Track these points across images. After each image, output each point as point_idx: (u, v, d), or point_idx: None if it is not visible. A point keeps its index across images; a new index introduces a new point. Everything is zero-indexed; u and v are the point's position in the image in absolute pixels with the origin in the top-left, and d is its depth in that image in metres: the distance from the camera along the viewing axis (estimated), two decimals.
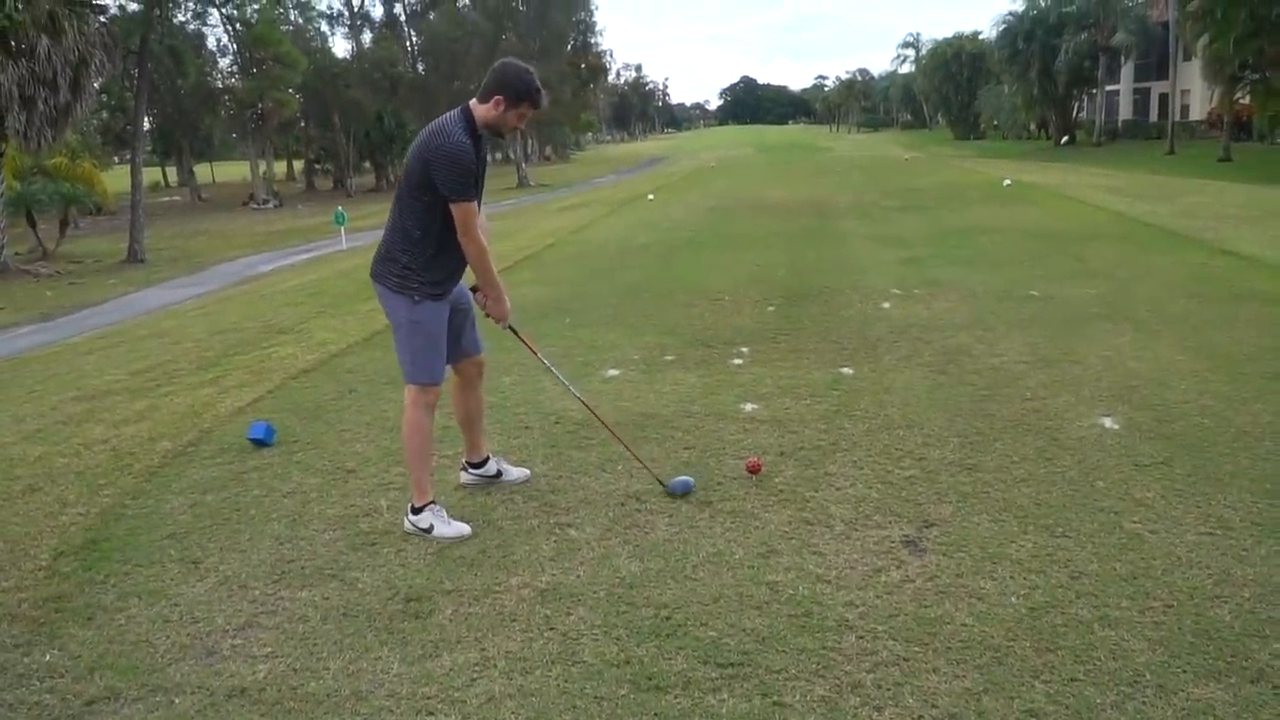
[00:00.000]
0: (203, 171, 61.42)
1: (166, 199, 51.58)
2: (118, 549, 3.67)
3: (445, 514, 3.69)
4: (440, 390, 3.77)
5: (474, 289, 3.76)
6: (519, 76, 3.50)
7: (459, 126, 3.45)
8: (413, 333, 3.64)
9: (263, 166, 46.61)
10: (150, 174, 53.82)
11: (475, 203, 3.51)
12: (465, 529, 3.65)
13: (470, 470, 4.16)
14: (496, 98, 3.47)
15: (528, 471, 4.23)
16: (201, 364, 7.29)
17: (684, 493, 3.82)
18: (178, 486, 4.33)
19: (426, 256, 3.57)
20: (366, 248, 19.93)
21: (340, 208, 22.89)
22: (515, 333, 3.92)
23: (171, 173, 63.38)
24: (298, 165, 63.90)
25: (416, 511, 3.67)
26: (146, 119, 40.33)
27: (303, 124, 52.14)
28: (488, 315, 3.78)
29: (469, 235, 3.50)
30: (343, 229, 21.41)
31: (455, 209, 3.46)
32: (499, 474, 4.15)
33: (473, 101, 3.52)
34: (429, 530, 3.63)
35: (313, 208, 39.92)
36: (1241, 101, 35.41)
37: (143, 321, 12.47)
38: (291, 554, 3.54)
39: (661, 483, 3.83)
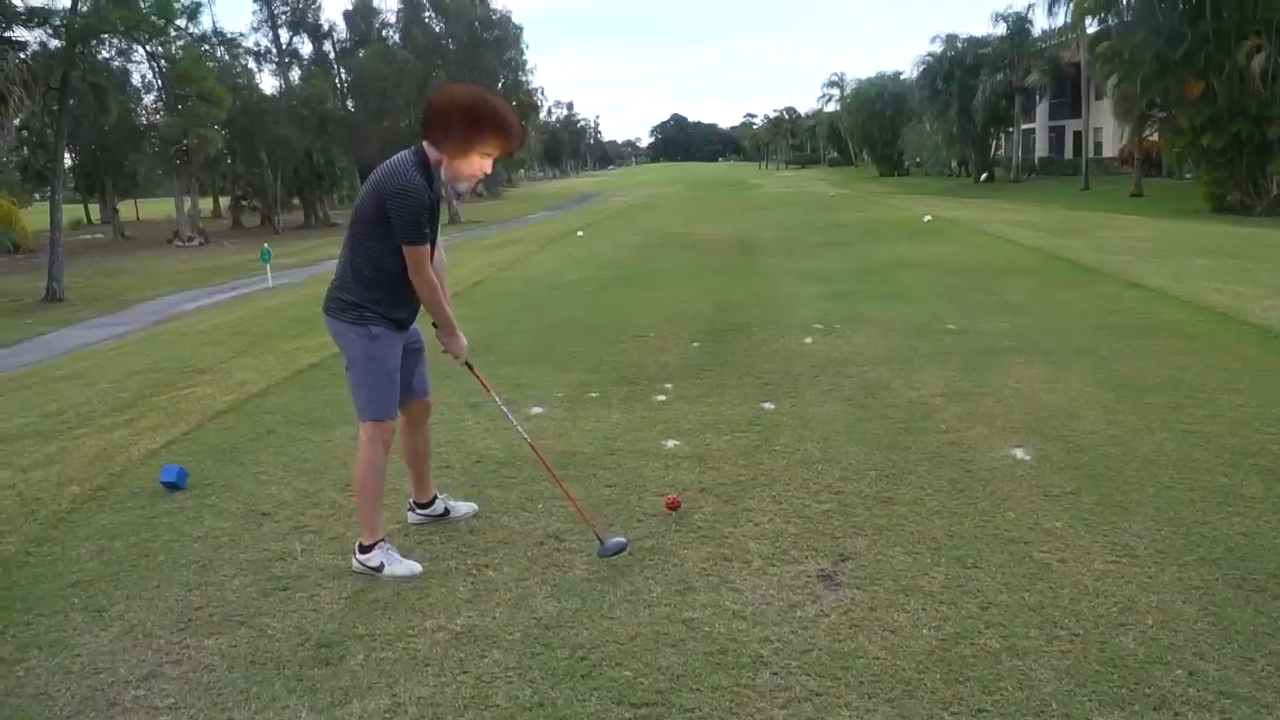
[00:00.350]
0: (127, 209, 60.06)
1: (88, 236, 50.23)
2: (19, 598, 3.53)
3: (396, 552, 3.62)
4: (395, 427, 3.68)
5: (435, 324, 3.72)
6: (493, 112, 3.49)
7: (412, 166, 3.39)
8: (368, 368, 3.57)
9: (188, 203, 45.71)
10: (72, 211, 52.53)
11: (428, 245, 3.45)
12: (417, 567, 3.58)
13: (418, 510, 4.09)
14: (458, 137, 3.43)
15: (475, 505, 4.19)
16: (116, 405, 7.08)
17: (615, 554, 3.64)
18: (85, 532, 4.19)
19: (379, 294, 3.52)
20: (293, 285, 19.65)
21: (267, 245, 22.49)
22: (471, 369, 3.90)
23: (94, 210, 61.87)
24: (224, 202, 62.88)
25: (365, 550, 3.58)
26: (68, 155, 39.38)
27: (229, 160, 51.33)
28: (445, 352, 3.74)
29: (420, 276, 3.46)
30: (269, 267, 21.04)
31: (407, 252, 3.41)
32: (446, 512, 4.09)
33: (425, 141, 3.46)
34: (379, 569, 3.54)
35: (239, 245, 39.21)
36: (1151, 139, 36.82)
37: (58, 362, 12.07)
38: (200, 601, 3.44)
39: (600, 540, 3.66)
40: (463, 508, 4.14)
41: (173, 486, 4.66)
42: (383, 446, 3.61)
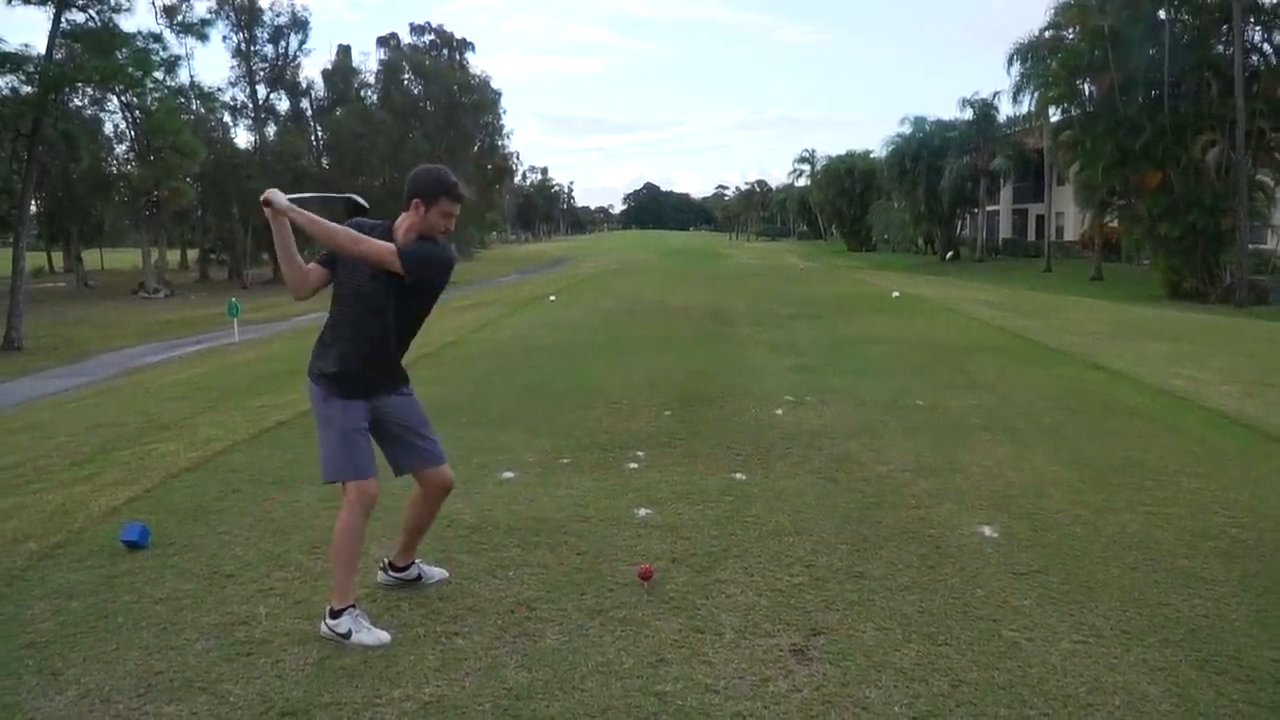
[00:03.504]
0: (92, 258, 59.60)
1: (51, 285, 49.71)
2: None
3: (366, 619, 3.56)
4: (371, 491, 3.62)
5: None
6: (428, 174, 3.61)
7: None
8: (321, 427, 3.63)
9: (155, 254, 45.46)
10: (35, 259, 51.96)
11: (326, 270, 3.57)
12: (385, 636, 3.51)
13: (391, 572, 4.05)
14: (414, 201, 3.54)
15: (445, 571, 4.15)
16: (76, 460, 6.97)
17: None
18: (41, 592, 4.09)
19: (322, 345, 3.61)
20: (260, 341, 19.54)
21: (234, 299, 22.38)
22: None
23: (59, 258, 61.31)
24: (192, 254, 62.61)
25: (335, 615, 3.52)
26: (34, 202, 39.11)
27: (200, 213, 51.29)
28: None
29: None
30: (235, 321, 20.91)
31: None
32: (419, 577, 4.05)
33: (398, 219, 3.60)
34: (346, 636, 3.48)
35: (205, 298, 39.00)
36: (1111, 225, 37.87)
37: (15, 414, 11.88)
38: (160, 665, 3.36)
39: None
40: (434, 573, 4.10)
41: (134, 545, 4.58)
42: (358, 510, 3.58)
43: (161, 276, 44.84)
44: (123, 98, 39.60)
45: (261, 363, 13.54)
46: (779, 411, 7.91)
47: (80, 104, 40.43)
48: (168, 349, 21.10)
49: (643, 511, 5.08)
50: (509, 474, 5.90)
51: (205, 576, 4.23)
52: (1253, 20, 27.62)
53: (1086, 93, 31.96)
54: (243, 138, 53.76)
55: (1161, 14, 28.49)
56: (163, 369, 16.55)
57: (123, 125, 42.23)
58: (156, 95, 39.46)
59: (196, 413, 8.77)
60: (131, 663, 3.39)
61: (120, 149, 46.13)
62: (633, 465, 6.12)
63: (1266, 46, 28.16)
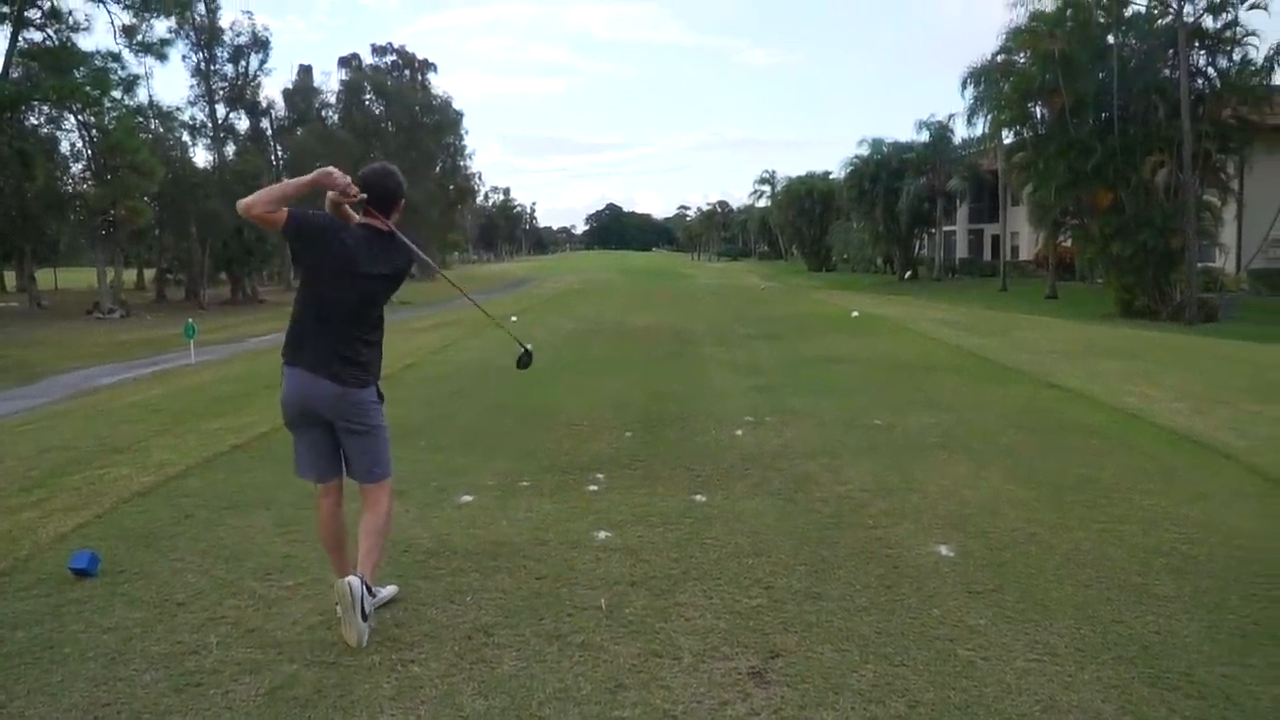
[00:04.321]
0: (45, 278, 58.47)
1: (2, 305, 48.71)
2: None
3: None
4: (320, 488, 3.93)
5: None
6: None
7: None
8: (383, 430, 3.94)
9: (110, 274, 44.72)
10: None
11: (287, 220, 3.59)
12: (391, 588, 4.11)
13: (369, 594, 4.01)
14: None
15: (395, 587, 4.15)
16: (24, 485, 6.80)
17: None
18: None
19: (377, 355, 3.90)
20: (217, 362, 19.25)
21: (191, 320, 22.06)
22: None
23: (11, 278, 60.16)
24: (149, 274, 61.70)
25: (370, 590, 3.73)
26: None
27: (157, 232, 50.60)
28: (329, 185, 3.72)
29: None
30: (192, 342, 20.60)
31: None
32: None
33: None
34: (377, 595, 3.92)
35: (162, 319, 38.43)
36: (1064, 245, 38.49)
37: None
38: (107, 697, 3.28)
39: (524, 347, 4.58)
40: (384, 591, 4.06)
41: (83, 573, 4.47)
42: (317, 502, 3.99)
43: (117, 296, 44.07)
44: (80, 116, 39.13)
45: (218, 384, 13.34)
46: (739, 432, 7.92)
47: (36, 122, 39.85)
48: (122, 370, 20.73)
49: (602, 534, 5.05)
50: (467, 497, 5.84)
51: (155, 605, 4.14)
52: (1197, 45, 28.29)
53: (1038, 115, 32.47)
54: (201, 157, 53.17)
55: (1110, 39, 29.09)
56: (117, 391, 16.25)
57: (80, 144, 41.59)
58: (114, 114, 39.07)
59: (150, 436, 8.60)
60: (78, 694, 3.30)
61: (77, 168, 45.42)
62: (593, 487, 6.09)
63: (1211, 71, 28.80)
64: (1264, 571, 4.41)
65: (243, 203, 3.52)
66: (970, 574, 4.40)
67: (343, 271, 3.67)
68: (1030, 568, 4.48)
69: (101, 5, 38.96)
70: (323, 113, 57.83)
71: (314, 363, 3.70)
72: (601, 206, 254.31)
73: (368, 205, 3.78)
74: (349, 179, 3.71)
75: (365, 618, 3.60)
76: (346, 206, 3.79)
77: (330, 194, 3.74)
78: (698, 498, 5.80)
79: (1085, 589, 4.21)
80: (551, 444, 7.50)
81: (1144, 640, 3.65)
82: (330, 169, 3.73)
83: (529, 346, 4.50)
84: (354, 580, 3.58)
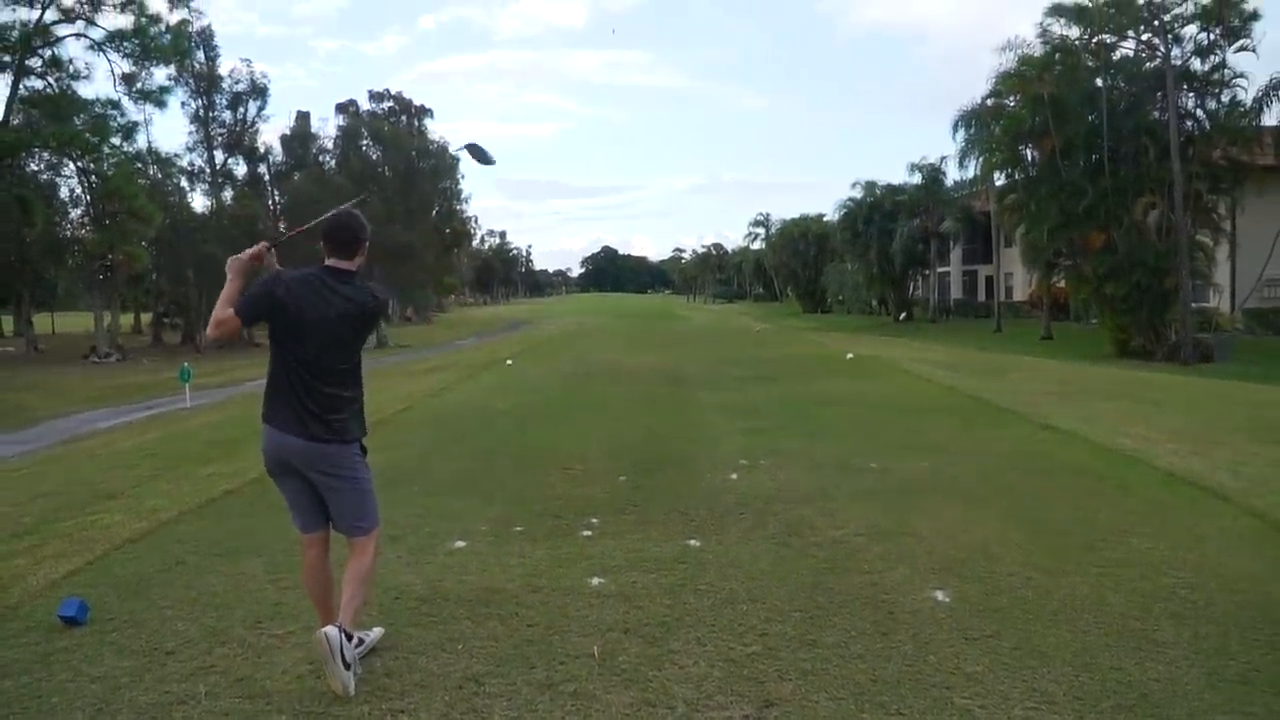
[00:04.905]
0: (43, 322, 58.57)
1: None
2: None
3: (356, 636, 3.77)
4: (305, 538, 3.91)
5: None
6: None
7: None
8: (368, 483, 3.92)
9: (107, 318, 44.73)
10: None
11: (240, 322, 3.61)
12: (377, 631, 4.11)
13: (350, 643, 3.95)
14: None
15: (380, 630, 4.15)
16: (16, 531, 6.74)
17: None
18: None
19: (358, 409, 3.85)
20: (212, 406, 19.18)
21: (187, 364, 21.99)
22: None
23: (8, 322, 60.16)
24: (146, 318, 61.72)
25: (350, 637, 3.67)
26: None
27: (154, 277, 50.70)
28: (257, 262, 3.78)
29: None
30: (187, 386, 20.53)
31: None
32: (360, 641, 3.94)
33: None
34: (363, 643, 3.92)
35: (158, 363, 38.35)
36: (1058, 285, 38.61)
37: None
38: None
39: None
40: (370, 634, 4.04)
41: (72, 621, 4.42)
42: (305, 551, 3.95)
43: (113, 340, 44.05)
44: (79, 163, 39.38)
45: (212, 429, 13.29)
46: (733, 475, 7.89)
47: (36, 168, 40.10)
48: (118, 415, 20.65)
49: (596, 580, 5.01)
50: (460, 543, 5.80)
51: (145, 653, 4.09)
52: (1186, 87, 28.62)
53: (1029, 157, 32.74)
54: (199, 202, 53.39)
55: (1099, 82, 29.40)
56: (111, 435, 16.19)
57: (78, 189, 41.79)
58: (113, 160, 39.33)
59: (143, 481, 8.55)
60: None
61: (75, 213, 45.60)
62: (587, 533, 6.05)
63: (1200, 112, 29.10)
64: (1265, 617, 4.37)
65: (210, 335, 3.71)
66: (966, 620, 4.36)
67: (292, 324, 3.65)
68: (1027, 613, 4.45)
69: (102, 54, 39.27)
70: (320, 158, 58.08)
71: (284, 423, 3.69)
72: (597, 249, 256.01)
73: (331, 250, 3.79)
74: (255, 247, 3.79)
75: (348, 665, 3.55)
76: (266, 259, 3.82)
77: (248, 261, 3.75)
78: (692, 542, 5.76)
79: (1083, 635, 4.17)
80: (545, 488, 7.47)
81: (1144, 688, 3.61)
82: (236, 257, 3.74)
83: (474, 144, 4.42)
84: (331, 630, 3.54)
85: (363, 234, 3.85)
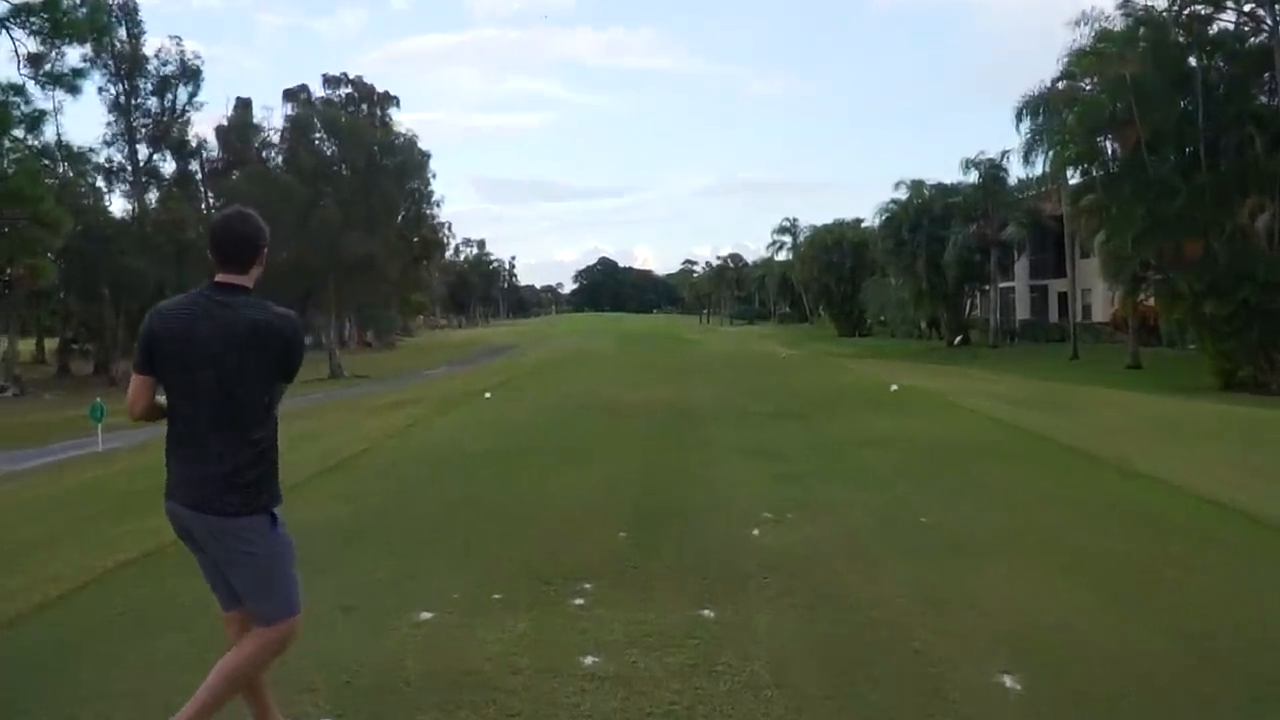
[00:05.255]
0: None
1: None
2: None
3: None
4: (229, 618, 3.77)
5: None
6: None
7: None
8: (286, 559, 3.72)
9: (4, 345, 44.92)
10: None
11: (146, 377, 3.65)
12: None
13: None
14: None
15: None
16: None
17: None
18: None
19: (274, 470, 3.71)
20: (128, 450, 19.16)
21: (99, 399, 22.04)
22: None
23: None
24: (51, 344, 61.96)
25: None
26: None
27: (62, 294, 50.96)
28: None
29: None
30: (100, 426, 20.54)
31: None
32: None
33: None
34: None
35: (65, 397, 38.49)
36: (1147, 303, 38.51)
37: None
38: None
39: None
40: None
41: None
42: (284, 647, 3.76)
43: (9, 371, 44.21)
44: None
45: (128, 478, 13.28)
46: (755, 531, 7.86)
47: None
48: (11, 462, 20.65)
49: (589, 659, 4.97)
50: (426, 614, 5.77)
51: None
52: None
53: (1109, 151, 32.86)
54: (119, 205, 53.83)
55: (1192, 60, 29.52)
56: (3, 488, 16.18)
57: None
58: (15, 156, 39.55)
59: (42, 544, 8.52)
60: None
61: None
62: (579, 600, 6.02)
63: None
64: None
65: (135, 418, 3.81)
66: (1040, 710, 4.32)
67: (168, 356, 3.60)
68: (1115, 705, 4.39)
69: (4, 31, 39.60)
70: (264, 153, 58.61)
71: (172, 488, 3.63)
72: (593, 261, 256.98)
73: (219, 262, 3.71)
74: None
75: None
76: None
77: None
78: (705, 613, 5.73)
79: None
80: (530, 546, 7.45)
81: None
82: None
83: None
84: None
85: (259, 239, 3.71)
